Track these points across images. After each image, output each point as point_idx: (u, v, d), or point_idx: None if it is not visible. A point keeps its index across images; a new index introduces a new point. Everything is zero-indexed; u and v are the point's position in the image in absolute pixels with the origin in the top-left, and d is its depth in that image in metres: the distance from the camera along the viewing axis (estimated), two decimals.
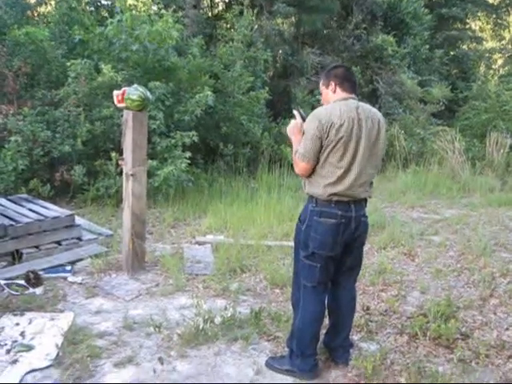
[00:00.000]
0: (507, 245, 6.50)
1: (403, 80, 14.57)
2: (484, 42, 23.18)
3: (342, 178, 3.13)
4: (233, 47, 11.21)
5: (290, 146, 3.36)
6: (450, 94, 15.70)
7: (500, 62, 25.65)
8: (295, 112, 3.37)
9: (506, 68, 23.31)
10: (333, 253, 3.22)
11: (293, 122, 3.32)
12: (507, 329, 4.10)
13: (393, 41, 15.01)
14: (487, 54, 21.68)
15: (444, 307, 4.17)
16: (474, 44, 21.33)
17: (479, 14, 22.14)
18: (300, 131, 3.24)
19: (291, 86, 13.67)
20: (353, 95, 3.27)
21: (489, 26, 24.83)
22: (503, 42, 26.95)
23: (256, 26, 12.82)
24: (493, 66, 24.37)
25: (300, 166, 3.18)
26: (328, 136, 3.07)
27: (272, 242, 6.16)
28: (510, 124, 14.00)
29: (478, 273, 5.37)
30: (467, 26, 21.60)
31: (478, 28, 24.04)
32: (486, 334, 4.00)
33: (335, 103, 3.20)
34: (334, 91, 3.27)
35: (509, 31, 27.90)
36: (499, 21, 23.68)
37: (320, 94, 3.43)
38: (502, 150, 11.99)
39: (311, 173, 3.19)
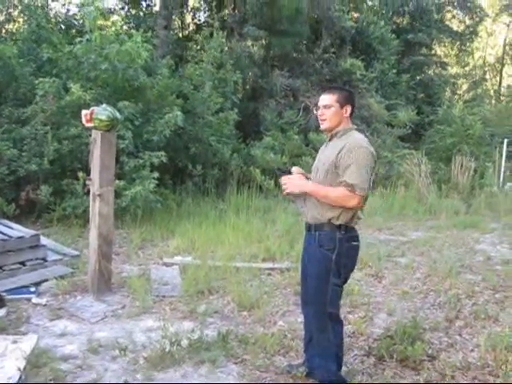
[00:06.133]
0: (472, 267, 6.60)
1: (371, 104, 14.80)
2: (449, 68, 23.76)
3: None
4: (203, 68, 11.27)
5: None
6: (417, 118, 15.99)
7: (464, 87, 26.33)
8: (293, 169, 3.44)
9: (471, 93, 23.93)
10: None
11: (292, 177, 3.31)
12: (472, 350, 4.14)
13: (361, 65, 15.28)
14: (452, 80, 22.23)
15: (410, 329, 4.19)
16: (440, 69, 21.84)
17: (444, 40, 22.73)
18: (305, 180, 3.31)
19: (260, 107, 13.79)
20: None
21: (453, 52, 25.52)
22: (467, 68, 27.70)
23: (226, 48, 12.93)
24: (457, 91, 25.00)
25: (359, 199, 3.09)
26: (375, 165, 3.23)
27: (240, 264, 6.13)
28: (474, 148, 14.34)
29: (444, 294, 5.43)
30: (433, 52, 22.13)
31: (442, 54, 24.66)
32: (451, 355, 4.03)
33: (360, 134, 3.30)
34: (348, 116, 3.30)
35: (473, 58, 28.70)
36: (463, 47, 24.35)
37: (323, 106, 3.29)
38: (466, 174, 12.25)
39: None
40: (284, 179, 3.30)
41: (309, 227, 3.32)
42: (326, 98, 3.30)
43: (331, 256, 3.17)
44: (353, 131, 3.28)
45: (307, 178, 3.39)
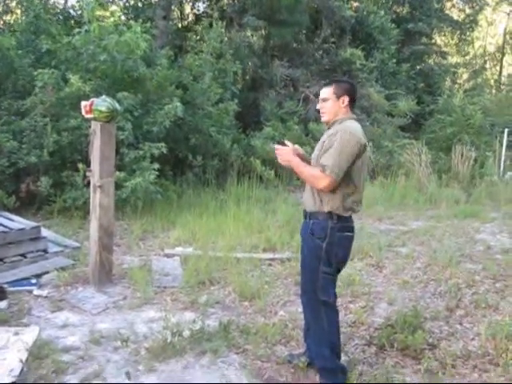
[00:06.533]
0: (472, 256, 6.60)
1: (371, 93, 14.76)
2: (449, 57, 23.69)
3: (359, 195, 3.29)
4: (202, 59, 11.23)
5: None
6: (417, 108, 15.97)
7: (465, 76, 26.25)
8: (286, 142, 3.44)
9: (471, 83, 23.87)
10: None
11: (285, 150, 3.34)
12: (473, 339, 4.15)
13: (361, 54, 15.23)
14: (452, 69, 22.16)
15: (411, 318, 4.20)
16: (440, 58, 21.77)
17: (444, 29, 22.64)
18: (293, 155, 3.30)
19: (260, 98, 13.76)
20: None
21: (453, 42, 25.43)
22: (467, 57, 27.60)
23: (226, 39, 12.89)
24: (458, 81, 24.92)
25: (328, 181, 3.09)
26: (362, 155, 3.17)
27: (241, 254, 6.14)
28: (474, 137, 14.32)
29: (445, 284, 5.44)
30: (433, 41, 22.05)
31: (442, 43, 24.59)
32: (452, 344, 4.04)
33: (355, 122, 3.28)
34: (345, 106, 3.31)
35: (473, 47, 28.61)
36: (463, 36, 24.27)
37: (321, 100, 3.37)
38: (466, 163, 12.23)
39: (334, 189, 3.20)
40: (277, 149, 3.35)
41: (305, 215, 3.37)
42: (324, 92, 3.36)
43: (322, 244, 3.19)
44: (349, 120, 3.28)
45: (303, 159, 3.38)
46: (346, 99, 3.30)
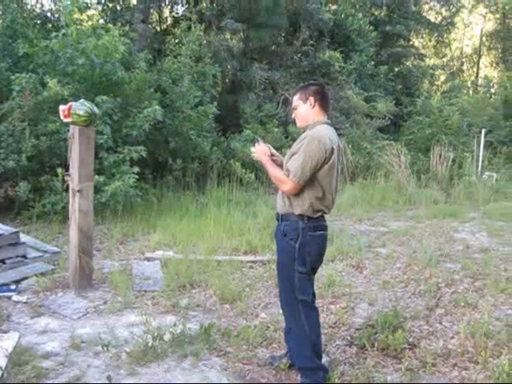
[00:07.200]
0: (451, 255, 6.67)
1: (349, 95, 14.85)
2: (427, 59, 23.93)
3: (329, 198, 3.30)
4: (181, 62, 11.22)
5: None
6: (395, 109, 16.09)
7: (442, 78, 26.53)
8: (260, 141, 3.53)
9: (448, 84, 24.13)
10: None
11: (259, 147, 3.47)
12: (452, 337, 4.19)
13: (339, 57, 15.32)
14: (430, 71, 22.40)
15: (391, 318, 4.23)
16: (418, 60, 21.96)
17: (422, 31, 22.88)
18: (263, 155, 3.43)
19: (240, 101, 13.78)
20: (327, 118, 3.41)
21: (431, 44, 25.70)
22: (444, 59, 27.93)
23: (204, 42, 12.89)
24: (436, 82, 25.18)
25: (291, 185, 3.17)
26: (330, 160, 3.17)
27: (222, 257, 6.14)
28: (452, 138, 14.46)
29: (424, 283, 5.48)
30: (411, 43, 22.25)
31: (420, 45, 24.85)
32: (432, 343, 4.07)
33: (324, 127, 3.29)
34: (313, 106, 3.34)
35: (450, 49, 28.93)
36: (440, 38, 24.54)
37: (293, 109, 3.47)
38: (445, 164, 12.35)
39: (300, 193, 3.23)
40: (256, 147, 3.50)
41: (277, 217, 3.40)
42: (293, 101, 3.47)
43: (294, 245, 3.23)
44: (320, 125, 3.31)
45: (274, 161, 3.47)
46: (313, 99, 3.34)
